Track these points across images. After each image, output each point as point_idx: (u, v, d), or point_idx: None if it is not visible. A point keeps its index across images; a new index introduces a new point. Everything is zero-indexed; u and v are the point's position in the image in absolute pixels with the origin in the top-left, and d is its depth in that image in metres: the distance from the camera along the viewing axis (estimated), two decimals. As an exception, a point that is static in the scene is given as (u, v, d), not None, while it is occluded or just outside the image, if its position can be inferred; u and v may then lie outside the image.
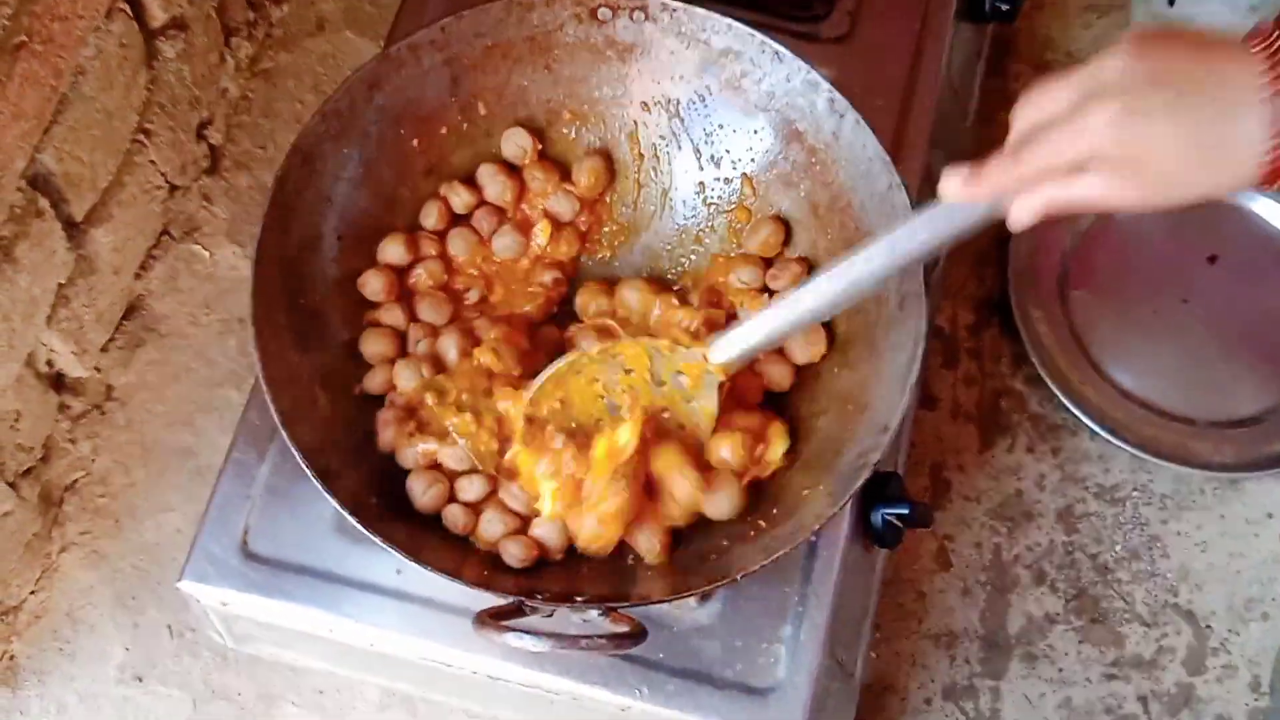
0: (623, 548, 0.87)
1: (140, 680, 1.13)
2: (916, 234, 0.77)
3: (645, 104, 0.97)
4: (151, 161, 1.19)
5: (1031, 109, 0.71)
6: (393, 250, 0.95)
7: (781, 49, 0.92)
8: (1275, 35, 0.66)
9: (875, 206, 0.89)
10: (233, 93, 1.31)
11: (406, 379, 0.90)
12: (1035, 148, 0.70)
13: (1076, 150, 0.68)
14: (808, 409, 0.91)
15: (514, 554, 0.85)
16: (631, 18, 0.94)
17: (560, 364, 0.88)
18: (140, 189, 1.18)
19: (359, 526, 0.80)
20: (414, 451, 0.88)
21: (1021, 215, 0.72)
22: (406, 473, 0.89)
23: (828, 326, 0.92)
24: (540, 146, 0.98)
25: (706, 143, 0.97)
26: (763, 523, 0.86)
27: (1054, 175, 0.70)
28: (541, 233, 0.97)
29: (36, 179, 1.02)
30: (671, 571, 0.86)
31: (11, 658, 1.13)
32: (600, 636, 0.78)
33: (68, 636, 1.14)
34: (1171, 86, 0.67)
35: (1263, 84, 0.65)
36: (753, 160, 0.96)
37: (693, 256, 0.99)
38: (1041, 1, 1.41)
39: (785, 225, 0.96)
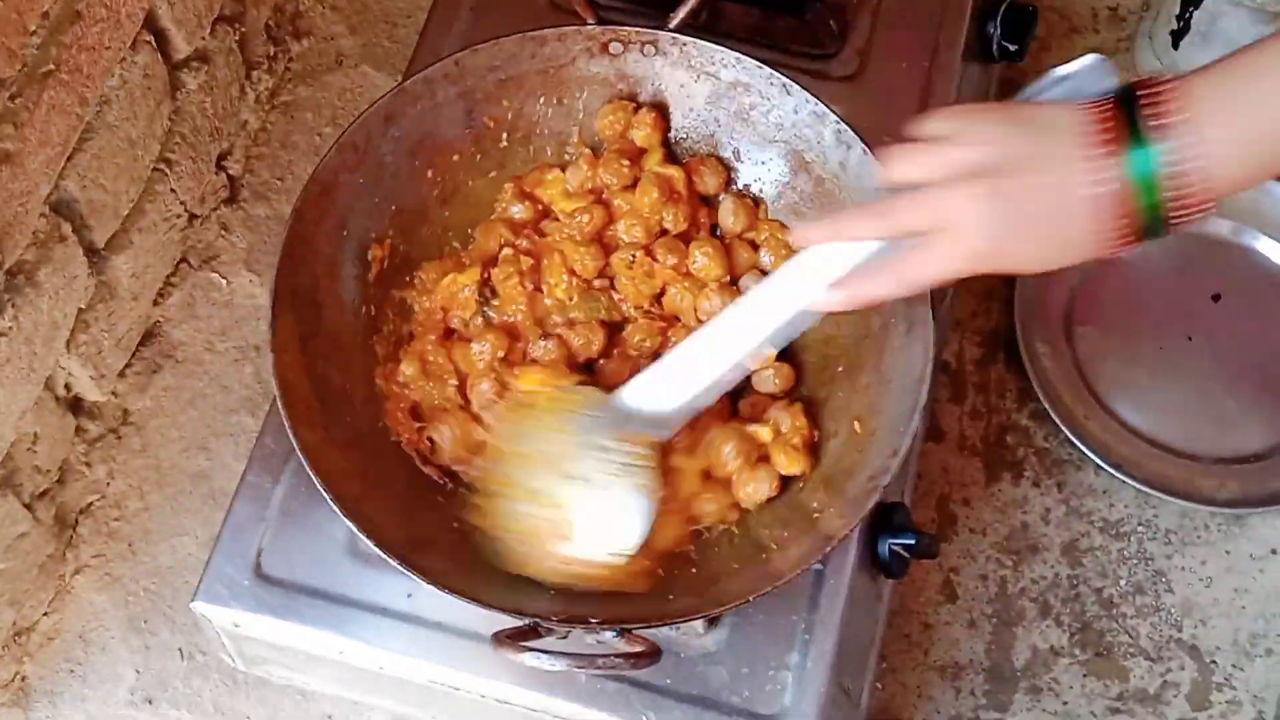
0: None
1: (150, 702, 1.14)
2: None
3: (657, 136, 0.99)
4: (172, 190, 1.20)
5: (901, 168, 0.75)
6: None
7: (789, 81, 0.93)
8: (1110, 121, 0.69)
9: (881, 235, 0.91)
10: (252, 124, 1.33)
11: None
12: (897, 205, 0.75)
13: (934, 218, 0.73)
14: (818, 432, 0.92)
15: None
16: (642, 51, 0.96)
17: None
18: (160, 217, 1.20)
19: (375, 549, 0.81)
20: None
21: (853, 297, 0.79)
22: (422, 496, 0.90)
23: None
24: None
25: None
26: (773, 545, 0.86)
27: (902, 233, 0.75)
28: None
29: (60, 205, 1.04)
30: (683, 594, 0.86)
31: (24, 679, 1.14)
32: (617, 655, 0.78)
33: (80, 658, 1.15)
34: (1028, 172, 0.70)
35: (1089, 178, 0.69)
36: (761, 191, 0.98)
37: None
38: (1048, 43, 1.43)
39: None
